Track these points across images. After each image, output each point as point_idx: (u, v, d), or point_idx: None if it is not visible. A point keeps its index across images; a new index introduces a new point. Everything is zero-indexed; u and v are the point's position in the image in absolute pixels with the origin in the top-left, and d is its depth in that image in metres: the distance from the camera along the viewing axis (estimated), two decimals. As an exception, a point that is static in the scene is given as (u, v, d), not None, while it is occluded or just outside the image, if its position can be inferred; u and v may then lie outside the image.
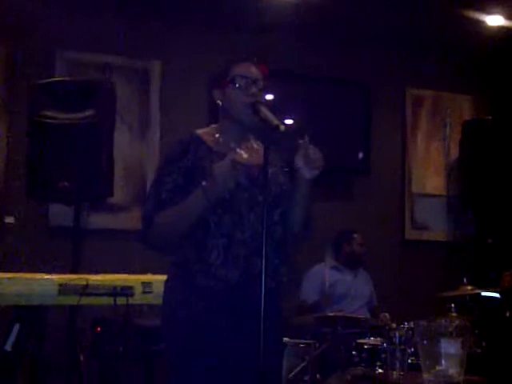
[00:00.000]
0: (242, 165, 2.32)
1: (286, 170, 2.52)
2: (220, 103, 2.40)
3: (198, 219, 2.26)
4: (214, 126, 2.48)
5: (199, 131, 2.44)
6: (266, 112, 2.26)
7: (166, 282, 2.39)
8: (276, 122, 2.20)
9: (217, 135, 2.42)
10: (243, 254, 2.26)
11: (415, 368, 3.06)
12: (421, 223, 6.01)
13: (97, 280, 3.22)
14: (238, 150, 2.33)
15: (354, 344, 3.68)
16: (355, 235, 5.00)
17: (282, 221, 2.42)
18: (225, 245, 2.26)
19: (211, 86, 2.46)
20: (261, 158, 2.37)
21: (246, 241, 2.27)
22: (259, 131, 2.36)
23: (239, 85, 2.36)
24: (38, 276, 3.19)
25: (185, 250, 2.29)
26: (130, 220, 4.94)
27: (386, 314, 3.86)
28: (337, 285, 4.78)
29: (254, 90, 2.36)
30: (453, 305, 3.98)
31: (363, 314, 4.71)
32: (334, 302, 4.64)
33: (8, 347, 3.22)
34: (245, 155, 2.36)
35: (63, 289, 3.15)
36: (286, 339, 3.83)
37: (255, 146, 2.46)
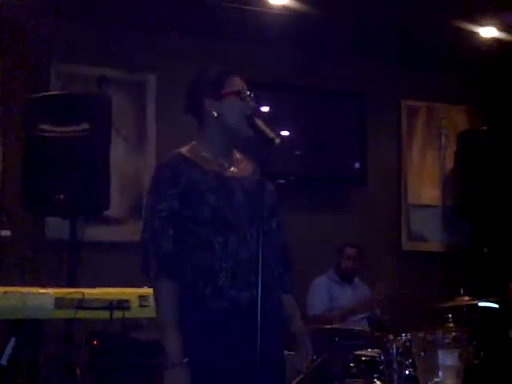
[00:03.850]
0: (237, 180, 2.33)
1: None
2: (215, 114, 2.36)
3: (202, 243, 2.26)
4: (194, 142, 2.42)
5: (183, 150, 2.39)
6: (261, 125, 2.28)
7: None
8: (271, 134, 2.22)
9: (203, 153, 2.37)
10: (251, 272, 2.24)
11: (413, 379, 3.05)
12: (417, 234, 6.01)
13: (93, 293, 3.21)
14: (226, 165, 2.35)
15: (351, 356, 3.67)
16: (347, 249, 4.96)
17: (280, 228, 2.44)
18: (232, 266, 2.25)
19: (201, 94, 2.38)
20: (248, 170, 2.40)
21: (251, 258, 2.24)
22: (253, 143, 2.35)
23: (244, 98, 2.36)
24: (34, 290, 3.18)
25: (193, 273, 2.27)
26: (127, 232, 4.93)
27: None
28: (340, 299, 4.79)
29: (252, 103, 2.38)
30: (450, 315, 3.98)
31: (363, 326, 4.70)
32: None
33: (3, 361, 3.20)
34: (236, 169, 2.37)
35: (59, 302, 3.13)
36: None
37: (239, 156, 2.46)
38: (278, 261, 2.39)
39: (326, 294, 4.81)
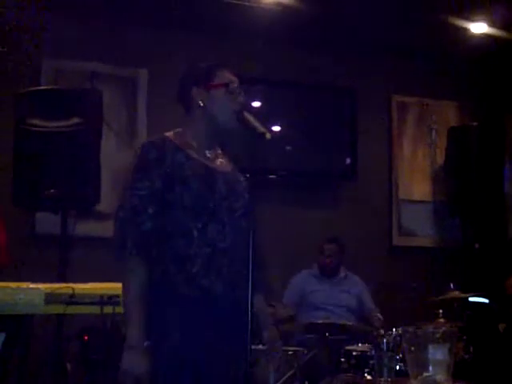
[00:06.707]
0: (220, 173, 2.33)
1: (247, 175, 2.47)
2: (202, 104, 2.36)
3: (180, 229, 2.24)
4: (179, 129, 2.41)
5: (169, 134, 2.37)
6: (252, 120, 2.27)
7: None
8: (262, 129, 2.21)
9: (189, 140, 2.36)
10: (226, 263, 2.24)
11: (403, 374, 3.07)
12: (408, 229, 6.02)
13: (83, 289, 3.20)
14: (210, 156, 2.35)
15: (342, 351, 3.68)
16: (325, 246, 4.93)
17: (251, 226, 2.41)
18: (208, 254, 2.22)
19: (190, 83, 2.39)
20: (227, 167, 2.41)
21: (227, 250, 2.25)
22: (239, 137, 2.35)
23: (232, 91, 2.36)
24: (24, 285, 3.17)
25: (167, 259, 2.24)
26: (117, 228, 4.91)
27: (379, 315, 3.84)
28: (316, 293, 4.79)
29: (242, 98, 2.38)
30: (440, 310, 3.99)
31: (348, 321, 4.70)
32: (314, 310, 4.68)
33: (-7, 357, 3.20)
34: (219, 163, 2.37)
35: (49, 298, 3.12)
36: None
37: (220, 153, 2.45)
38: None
39: (296, 288, 4.85)
